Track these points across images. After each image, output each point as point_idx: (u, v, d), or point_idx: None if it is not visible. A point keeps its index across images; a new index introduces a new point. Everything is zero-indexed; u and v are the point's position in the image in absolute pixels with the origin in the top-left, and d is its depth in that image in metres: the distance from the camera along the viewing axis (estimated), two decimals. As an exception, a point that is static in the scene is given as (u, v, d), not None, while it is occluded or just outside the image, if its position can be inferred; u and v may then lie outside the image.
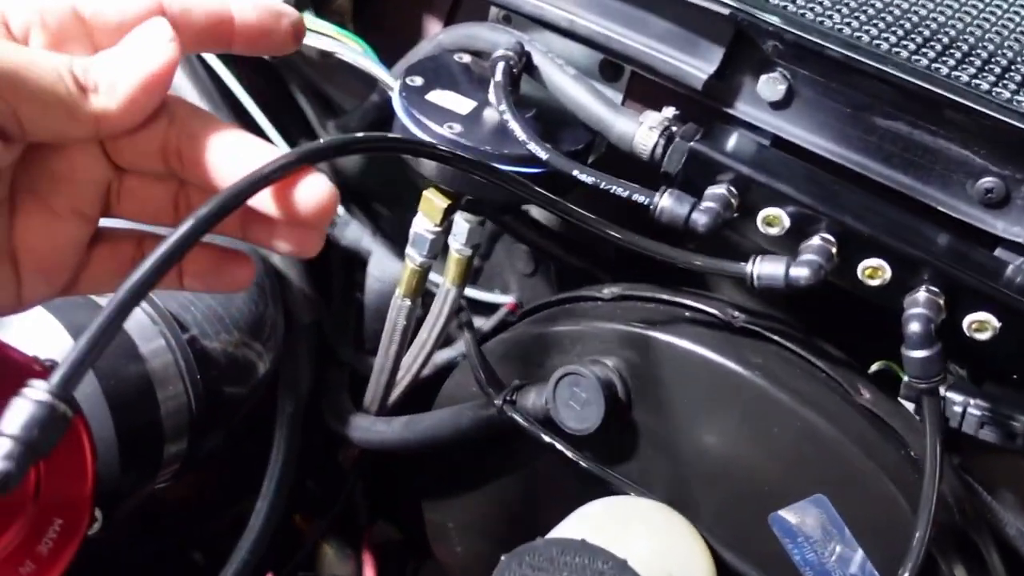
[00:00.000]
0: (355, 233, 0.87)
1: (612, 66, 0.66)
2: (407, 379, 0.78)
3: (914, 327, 0.49)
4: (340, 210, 0.88)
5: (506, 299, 0.89)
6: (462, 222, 0.67)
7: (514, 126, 0.55)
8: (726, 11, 0.55)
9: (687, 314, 0.60)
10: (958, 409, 0.56)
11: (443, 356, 0.82)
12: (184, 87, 0.84)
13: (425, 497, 0.75)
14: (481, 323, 0.89)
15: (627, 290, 0.64)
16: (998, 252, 0.55)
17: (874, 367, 0.61)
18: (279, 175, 0.37)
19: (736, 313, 0.59)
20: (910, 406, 0.62)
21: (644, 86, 0.65)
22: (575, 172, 0.54)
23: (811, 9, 0.58)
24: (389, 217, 1.04)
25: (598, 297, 0.65)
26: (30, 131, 0.36)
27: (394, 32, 0.80)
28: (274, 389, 0.83)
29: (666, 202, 0.53)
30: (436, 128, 0.59)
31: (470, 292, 0.87)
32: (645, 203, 0.53)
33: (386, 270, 0.86)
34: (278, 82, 0.96)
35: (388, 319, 0.71)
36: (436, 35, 0.69)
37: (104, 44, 0.39)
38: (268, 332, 0.72)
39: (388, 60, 0.73)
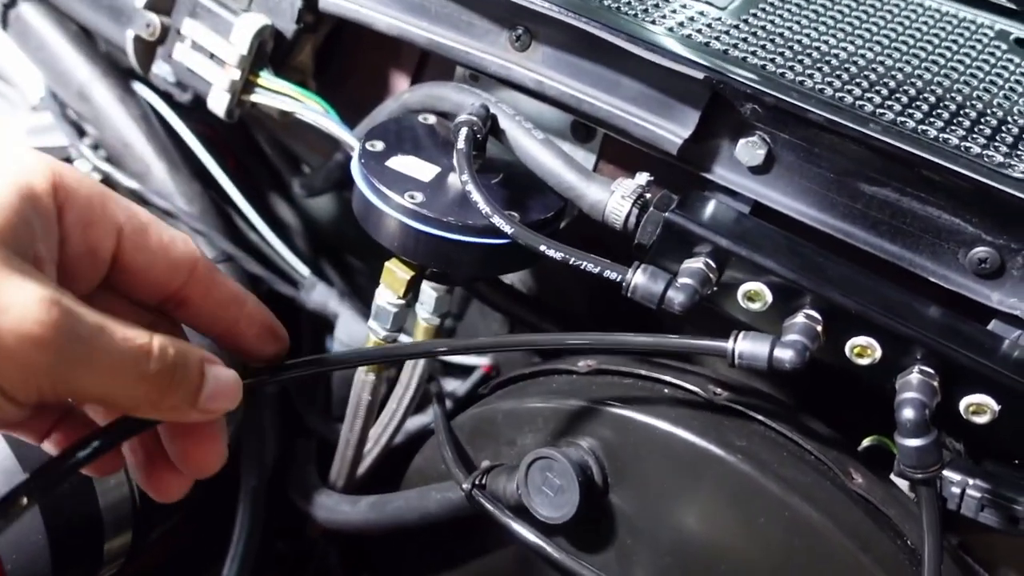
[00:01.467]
0: (321, 296, 0.83)
1: (584, 127, 0.63)
2: (376, 451, 0.74)
3: (908, 414, 0.45)
4: (306, 271, 0.84)
5: (482, 362, 0.85)
6: (429, 291, 0.63)
7: (477, 198, 0.52)
8: (700, 75, 0.52)
9: (666, 391, 0.57)
10: (956, 490, 0.53)
11: (416, 423, 0.79)
12: (138, 144, 0.81)
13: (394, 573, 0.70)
14: (457, 385, 0.85)
15: (603, 364, 0.60)
16: (993, 325, 0.51)
17: (865, 443, 0.57)
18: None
19: (718, 390, 0.56)
20: (903, 483, 0.58)
21: (618, 148, 0.62)
22: (542, 247, 0.50)
23: (791, 69, 0.55)
24: (364, 269, 1.00)
25: (573, 371, 0.61)
26: None
27: (359, 89, 0.77)
28: (238, 459, 0.79)
29: (639, 279, 0.49)
30: (396, 198, 0.55)
31: (456, 358, 0.83)
32: (617, 280, 0.50)
33: (353, 334, 0.82)
34: (247, 136, 0.93)
35: (352, 394, 0.67)
36: (401, 95, 0.66)
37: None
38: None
39: (354, 117, 0.70)
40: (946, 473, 0.53)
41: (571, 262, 0.50)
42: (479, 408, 0.64)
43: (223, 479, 0.79)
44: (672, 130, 0.55)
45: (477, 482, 0.57)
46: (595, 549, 0.57)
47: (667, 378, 0.57)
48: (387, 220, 0.56)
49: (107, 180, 0.80)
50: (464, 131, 0.55)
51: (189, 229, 0.80)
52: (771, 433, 0.54)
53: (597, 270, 0.50)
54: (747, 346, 0.47)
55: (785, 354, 0.47)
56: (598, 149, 0.64)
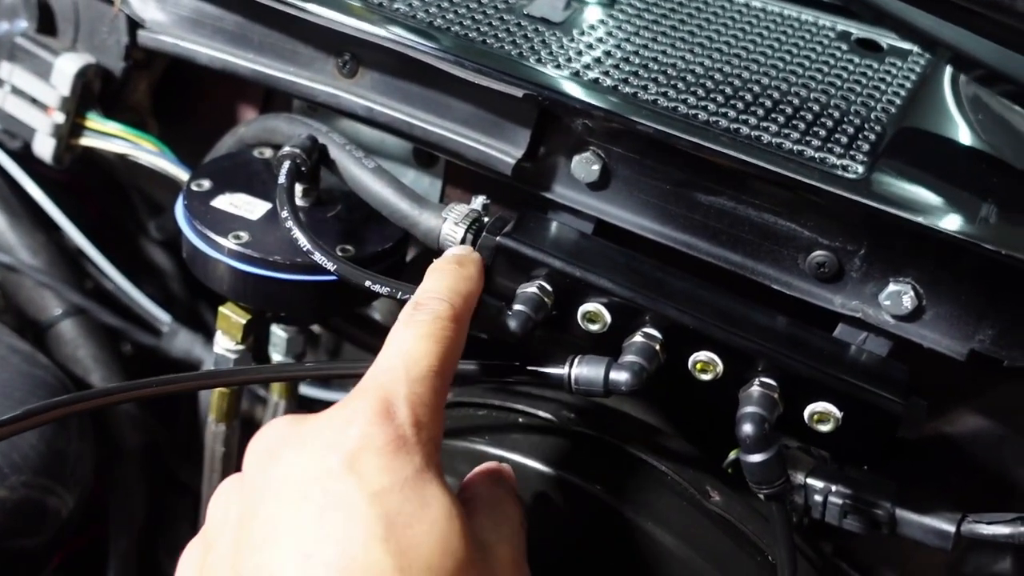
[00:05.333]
0: (185, 343, 0.79)
1: (426, 153, 0.61)
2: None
3: (747, 429, 0.43)
4: (167, 318, 0.80)
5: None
6: (279, 332, 0.60)
7: (297, 234, 0.49)
8: (519, 93, 0.50)
9: (521, 420, 0.54)
10: (819, 498, 0.51)
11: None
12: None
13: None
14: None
15: (460, 396, 0.58)
16: (839, 331, 0.50)
17: (731, 456, 0.56)
18: None
19: (571, 415, 0.54)
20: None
21: (462, 172, 0.60)
22: (367, 283, 0.48)
23: (625, 81, 0.54)
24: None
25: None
26: None
27: (206, 125, 0.74)
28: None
29: (475, 309, 0.47)
30: (219, 239, 0.52)
31: (319, 393, 0.80)
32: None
33: (221, 381, 0.78)
34: (110, 182, 0.89)
35: (206, 447, 0.63)
36: (236, 129, 0.63)
37: None
38: (70, 469, 0.64)
39: (204, 153, 0.66)
40: (809, 481, 0.51)
41: (399, 297, 0.47)
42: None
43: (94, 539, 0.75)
44: (505, 150, 0.53)
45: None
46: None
47: (520, 407, 0.55)
48: (212, 263, 0.53)
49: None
50: (287, 164, 0.52)
51: (34, 283, 0.76)
52: (626, 457, 0.52)
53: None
54: (583, 371, 0.45)
55: (621, 376, 0.45)
56: (443, 174, 0.62)
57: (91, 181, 0.89)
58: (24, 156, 0.77)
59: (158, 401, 0.82)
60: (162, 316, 0.80)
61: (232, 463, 0.64)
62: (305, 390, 0.75)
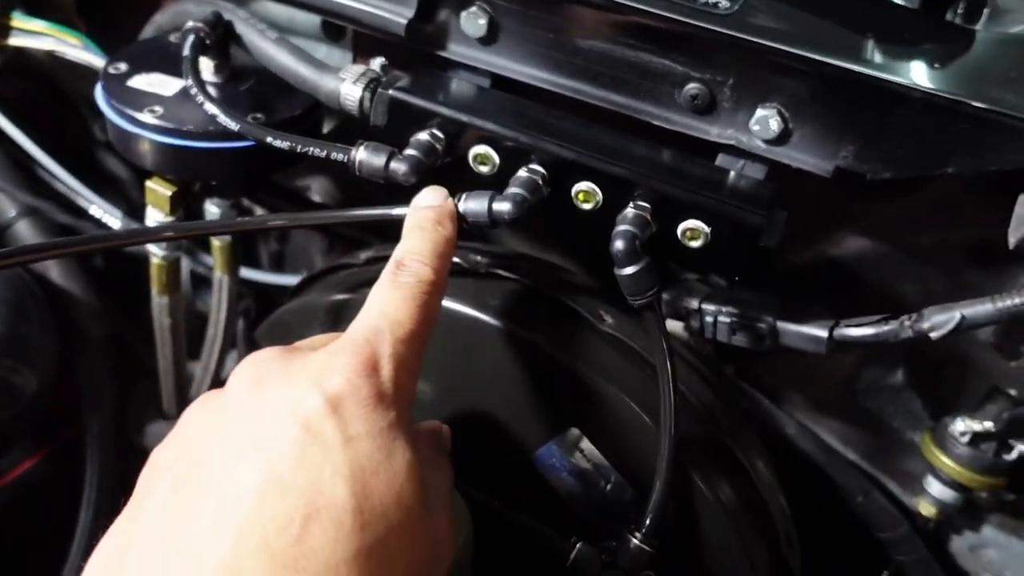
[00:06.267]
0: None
1: (334, 26, 0.64)
2: (207, 378, 0.76)
3: (619, 245, 0.48)
4: (118, 212, 0.84)
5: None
6: (212, 208, 0.64)
7: (202, 100, 0.52)
8: (400, -49, 0.53)
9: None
10: (710, 319, 0.56)
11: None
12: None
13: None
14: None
15: (380, 252, 0.62)
16: (719, 160, 0.54)
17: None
18: None
19: (479, 258, 0.58)
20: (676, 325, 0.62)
21: (370, 42, 0.63)
22: (268, 139, 0.51)
23: (507, -65, 0.56)
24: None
25: (353, 263, 0.63)
26: None
27: (129, 21, 0.76)
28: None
29: (362, 155, 0.51)
30: (136, 114, 0.56)
31: (272, 278, 0.84)
32: (343, 160, 0.51)
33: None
34: (57, 88, 0.91)
35: (154, 321, 0.68)
36: (154, 17, 0.66)
37: None
38: (33, 351, 0.68)
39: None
40: (704, 306, 0.56)
41: (299, 150, 0.51)
42: (274, 314, 0.65)
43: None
44: (396, 11, 0.56)
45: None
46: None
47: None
48: (133, 139, 0.57)
49: None
50: (191, 38, 0.55)
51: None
52: (526, 291, 0.56)
53: (324, 154, 0.51)
54: (471, 204, 0.49)
55: (503, 206, 0.49)
56: (351, 46, 0.65)
57: (40, 96, 0.91)
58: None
59: (119, 291, 0.86)
60: (113, 211, 0.83)
61: (181, 335, 0.69)
62: (247, 273, 0.79)
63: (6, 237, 0.80)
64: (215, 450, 0.37)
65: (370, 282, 0.58)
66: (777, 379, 0.68)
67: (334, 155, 0.51)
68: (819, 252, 0.63)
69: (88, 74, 0.71)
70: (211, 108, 0.52)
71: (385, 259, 0.61)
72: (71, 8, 0.74)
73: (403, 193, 0.51)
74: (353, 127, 0.61)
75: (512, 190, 0.50)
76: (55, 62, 0.74)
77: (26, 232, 0.80)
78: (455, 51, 0.57)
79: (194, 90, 0.53)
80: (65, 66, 0.74)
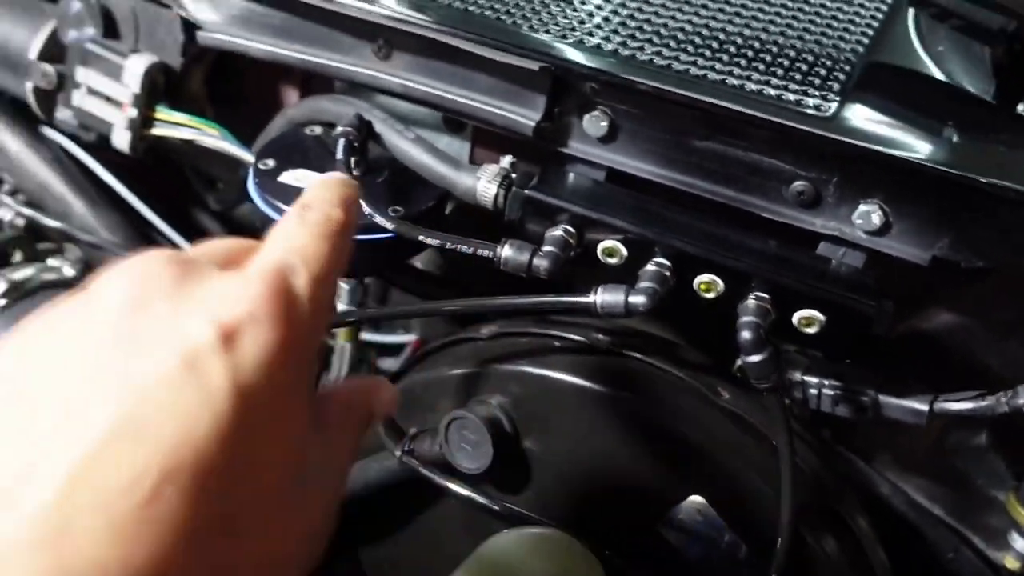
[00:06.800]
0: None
1: (454, 120, 0.69)
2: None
3: (746, 335, 0.53)
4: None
5: (409, 338, 0.93)
6: (342, 284, 0.70)
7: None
8: (536, 66, 0.58)
9: (557, 344, 0.64)
10: (814, 392, 0.61)
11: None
12: (55, 185, 0.86)
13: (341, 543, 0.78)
14: (392, 364, 0.93)
15: (504, 328, 0.67)
16: (821, 248, 0.59)
17: (739, 362, 0.65)
18: None
19: (600, 336, 0.63)
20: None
21: (488, 134, 0.69)
22: (421, 237, 0.57)
23: (624, 44, 0.62)
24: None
25: (477, 338, 0.68)
26: None
27: (254, 108, 0.83)
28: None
29: (507, 252, 0.56)
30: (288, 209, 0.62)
31: (373, 337, 0.90)
32: (490, 256, 0.57)
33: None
34: (167, 162, 0.98)
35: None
36: (286, 111, 0.72)
37: None
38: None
39: (254, 134, 0.75)
40: (806, 378, 0.61)
41: (447, 247, 0.57)
42: (402, 382, 0.71)
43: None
44: (525, 115, 0.62)
45: (406, 448, 0.65)
46: (517, 491, 0.65)
47: (556, 332, 0.64)
48: (286, 231, 0.62)
49: (31, 224, 0.86)
50: (342, 142, 0.62)
51: (115, 257, 0.86)
52: (648, 368, 0.62)
53: (471, 251, 0.57)
54: (606, 297, 0.55)
55: (638, 299, 0.54)
56: (471, 137, 0.70)
57: (147, 163, 0.98)
58: (95, 146, 0.87)
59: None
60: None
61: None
62: (375, 337, 0.85)
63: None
64: (67, 375, 0.30)
65: (499, 357, 0.65)
66: (868, 441, 0.73)
67: (480, 252, 0.57)
68: (909, 327, 0.68)
69: (209, 154, 0.78)
70: (367, 209, 0.58)
71: (511, 335, 0.67)
72: (203, 98, 0.80)
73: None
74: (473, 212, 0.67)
75: (644, 284, 0.55)
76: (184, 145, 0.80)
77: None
78: (575, 147, 0.63)
79: (351, 192, 0.59)
80: (194, 149, 0.81)
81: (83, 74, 0.75)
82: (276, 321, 0.32)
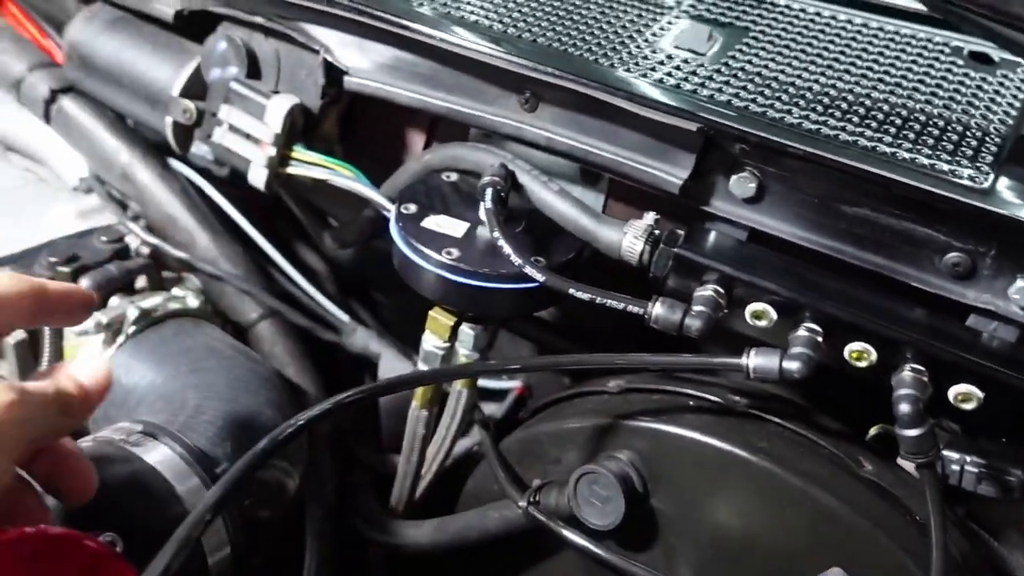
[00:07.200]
0: (362, 339, 0.90)
1: (592, 172, 0.70)
2: (430, 476, 0.81)
3: (904, 408, 0.52)
4: (345, 317, 0.91)
5: (514, 384, 0.93)
6: (467, 331, 0.70)
7: (509, 252, 0.59)
8: (693, 127, 0.59)
9: (691, 403, 0.64)
10: (956, 467, 0.60)
11: (461, 446, 0.86)
12: (181, 216, 0.89)
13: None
14: (493, 409, 0.93)
15: (632, 383, 0.67)
16: (971, 321, 0.58)
17: (872, 431, 0.64)
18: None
19: (737, 398, 0.63)
20: (908, 464, 0.65)
21: (623, 187, 0.69)
22: (571, 291, 0.57)
23: (771, 106, 0.62)
24: (387, 304, 1.08)
25: (605, 391, 0.68)
26: None
27: (380, 148, 0.84)
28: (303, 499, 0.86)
29: (659, 310, 0.56)
30: (435, 255, 0.63)
31: (480, 382, 0.90)
32: (640, 313, 0.57)
33: (396, 371, 0.89)
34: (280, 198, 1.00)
35: (408, 429, 0.74)
36: (422, 156, 0.73)
37: None
38: (293, 447, 0.75)
39: (377, 172, 0.76)
40: (946, 453, 0.60)
41: (597, 301, 0.57)
42: (524, 432, 0.71)
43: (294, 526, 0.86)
44: (671, 172, 0.62)
45: (532, 499, 0.65)
46: (643, 549, 0.64)
47: (690, 391, 0.64)
48: (429, 275, 0.63)
49: (156, 252, 0.88)
50: (489, 192, 0.62)
51: (235, 290, 0.88)
52: (787, 433, 0.61)
53: (621, 306, 0.57)
54: (759, 361, 0.54)
55: (793, 365, 0.54)
56: (606, 190, 0.71)
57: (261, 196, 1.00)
58: (218, 179, 0.90)
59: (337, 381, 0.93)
60: (341, 315, 0.91)
61: (428, 443, 0.75)
62: (481, 382, 0.85)
63: (250, 336, 0.88)
64: None
65: (628, 414, 0.64)
66: (1000, 520, 0.71)
67: (631, 308, 0.57)
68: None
69: (332, 193, 0.79)
70: (518, 260, 0.59)
71: (639, 391, 0.67)
72: (334, 137, 0.82)
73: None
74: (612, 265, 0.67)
75: (798, 349, 0.55)
76: (311, 183, 0.82)
77: (267, 332, 0.88)
78: (718, 207, 0.63)
79: (501, 242, 0.59)
80: (319, 187, 0.82)
81: (226, 112, 0.77)
82: None
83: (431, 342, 0.67)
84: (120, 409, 0.74)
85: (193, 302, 0.83)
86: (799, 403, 0.65)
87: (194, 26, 0.82)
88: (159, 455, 0.65)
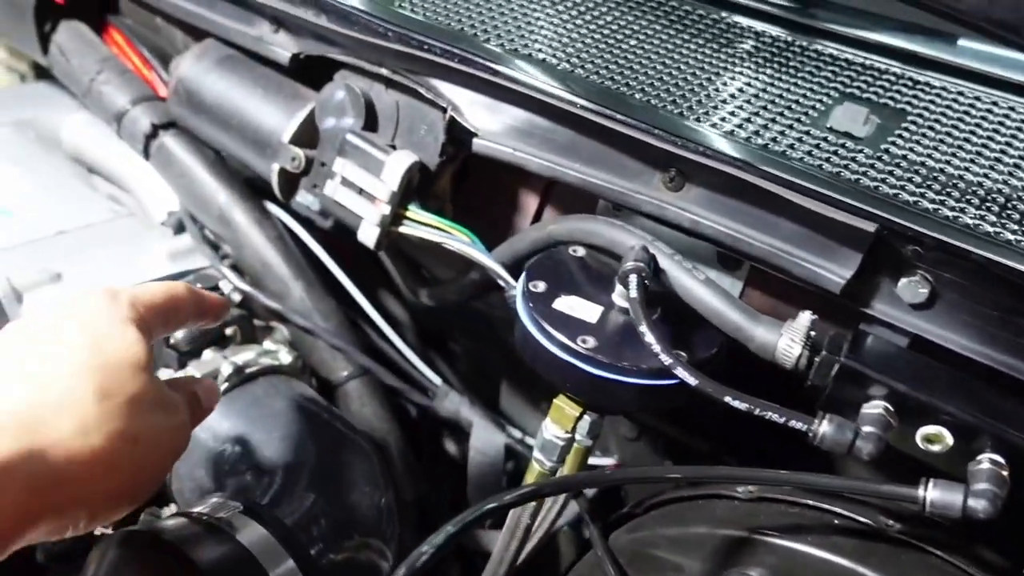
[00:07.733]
0: (453, 404, 0.86)
1: (731, 258, 0.65)
2: (523, 557, 0.76)
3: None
4: (437, 380, 0.87)
5: (608, 461, 0.88)
6: (585, 417, 0.65)
7: (659, 350, 0.54)
8: (871, 227, 0.54)
9: (836, 522, 0.58)
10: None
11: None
12: (276, 264, 0.85)
13: None
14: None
15: (766, 491, 0.62)
16: None
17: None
18: None
19: (890, 521, 0.57)
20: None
21: (764, 276, 0.64)
22: (727, 399, 0.52)
23: (942, 203, 0.57)
24: (463, 353, 1.03)
25: (735, 497, 0.62)
26: None
27: (491, 208, 0.80)
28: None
29: (827, 429, 0.51)
30: (570, 343, 0.58)
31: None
32: (804, 430, 0.51)
33: (489, 442, 0.84)
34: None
35: (511, 517, 0.69)
36: (545, 225, 0.69)
37: None
38: (386, 522, 0.71)
39: (486, 231, 0.72)
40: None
41: (756, 412, 0.52)
42: (639, 532, 0.65)
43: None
44: (833, 271, 0.57)
45: (652, 612, 0.59)
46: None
47: (837, 509, 0.58)
48: (560, 363, 0.58)
49: (247, 300, 0.84)
50: (634, 279, 0.57)
51: (327, 345, 0.84)
52: (948, 567, 0.55)
53: (783, 420, 0.52)
54: (938, 495, 0.49)
55: (979, 504, 0.48)
56: (744, 277, 0.66)
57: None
58: (315, 226, 0.86)
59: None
60: (433, 378, 0.87)
61: (530, 532, 0.70)
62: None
63: (339, 394, 0.84)
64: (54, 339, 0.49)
65: (761, 528, 0.59)
66: None
67: (793, 423, 0.52)
68: None
69: (438, 252, 0.75)
70: (667, 359, 0.54)
71: (773, 500, 0.61)
72: (446, 196, 0.78)
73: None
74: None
75: (983, 486, 0.49)
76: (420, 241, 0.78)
77: (357, 391, 0.84)
78: (880, 310, 0.58)
79: (648, 338, 0.55)
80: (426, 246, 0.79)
81: (340, 165, 0.73)
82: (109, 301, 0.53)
83: (552, 431, 0.62)
84: (208, 472, 0.70)
85: (286, 358, 0.79)
86: (956, 529, 0.59)
87: (309, 71, 0.79)
88: (253, 535, 0.61)
